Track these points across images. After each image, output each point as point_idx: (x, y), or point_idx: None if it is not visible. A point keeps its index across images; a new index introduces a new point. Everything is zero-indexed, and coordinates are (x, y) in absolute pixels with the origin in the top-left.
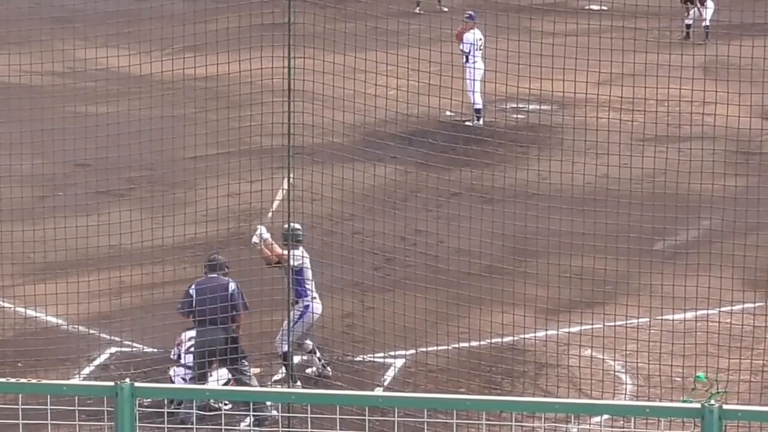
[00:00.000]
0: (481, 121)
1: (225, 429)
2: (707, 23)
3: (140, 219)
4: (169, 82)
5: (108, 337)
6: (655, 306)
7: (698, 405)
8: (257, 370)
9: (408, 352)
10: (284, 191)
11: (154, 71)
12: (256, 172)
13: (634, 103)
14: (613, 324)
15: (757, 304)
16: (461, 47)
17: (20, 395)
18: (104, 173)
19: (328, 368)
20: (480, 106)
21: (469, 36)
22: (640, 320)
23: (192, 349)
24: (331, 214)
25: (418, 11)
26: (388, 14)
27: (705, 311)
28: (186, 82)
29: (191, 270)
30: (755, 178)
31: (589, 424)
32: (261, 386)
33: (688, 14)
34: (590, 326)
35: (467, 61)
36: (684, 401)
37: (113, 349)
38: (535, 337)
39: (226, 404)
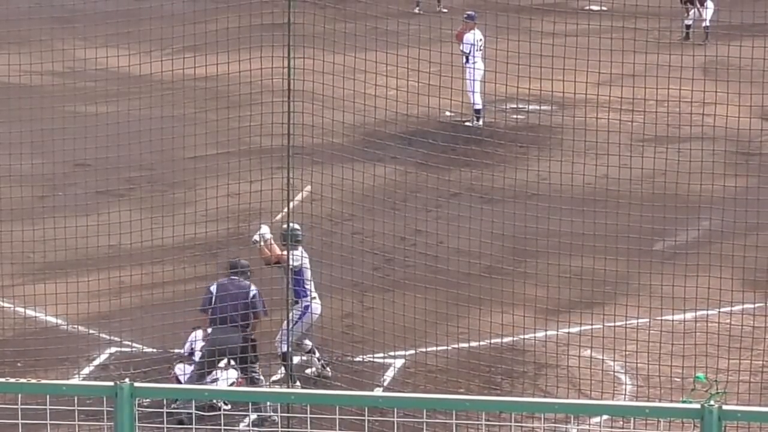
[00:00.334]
0: (480, 122)
1: (225, 429)
2: (707, 24)
3: (140, 219)
4: (169, 82)
5: (107, 337)
6: (655, 306)
7: (698, 405)
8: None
9: (407, 353)
10: (304, 194)
11: (154, 71)
12: (256, 173)
13: (634, 103)
14: (612, 324)
15: (756, 305)
16: (461, 48)
17: (20, 395)
18: (104, 173)
19: (328, 368)
20: (480, 107)
21: (469, 36)
22: (640, 321)
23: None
24: (331, 214)
25: (417, 11)
26: (388, 14)
27: (704, 312)
28: (186, 82)
29: (191, 270)
30: (755, 178)
31: (589, 424)
32: (260, 386)
33: (688, 15)
34: (590, 327)
35: (467, 61)
36: (683, 402)
37: (113, 349)
38: (535, 337)
39: (226, 404)
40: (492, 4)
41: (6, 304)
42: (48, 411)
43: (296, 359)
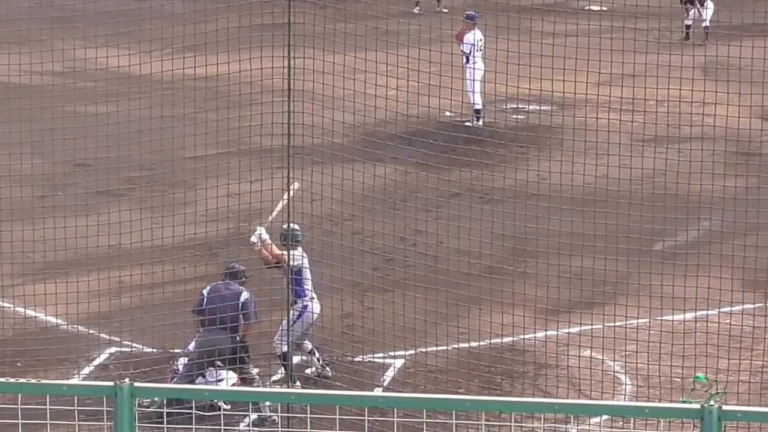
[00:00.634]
0: (480, 122)
1: (225, 429)
2: (707, 24)
3: (140, 219)
4: (169, 82)
5: (107, 337)
6: (655, 306)
7: (698, 406)
8: (256, 371)
9: (407, 353)
10: (290, 193)
11: (154, 71)
12: (256, 172)
13: (634, 103)
14: (612, 324)
15: (756, 305)
16: (462, 48)
17: (20, 395)
18: (104, 173)
19: (328, 368)
20: (480, 107)
21: (469, 36)
22: (640, 321)
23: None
24: (331, 214)
25: (417, 11)
26: (388, 14)
27: (704, 312)
28: (186, 82)
29: (191, 270)
30: (755, 178)
31: (589, 424)
32: (260, 387)
33: (688, 15)
34: (590, 327)
35: (467, 61)
36: (683, 402)
37: (113, 349)
38: (535, 337)
39: (226, 404)
40: (492, 4)
41: (6, 304)
42: (48, 411)
43: (296, 359)
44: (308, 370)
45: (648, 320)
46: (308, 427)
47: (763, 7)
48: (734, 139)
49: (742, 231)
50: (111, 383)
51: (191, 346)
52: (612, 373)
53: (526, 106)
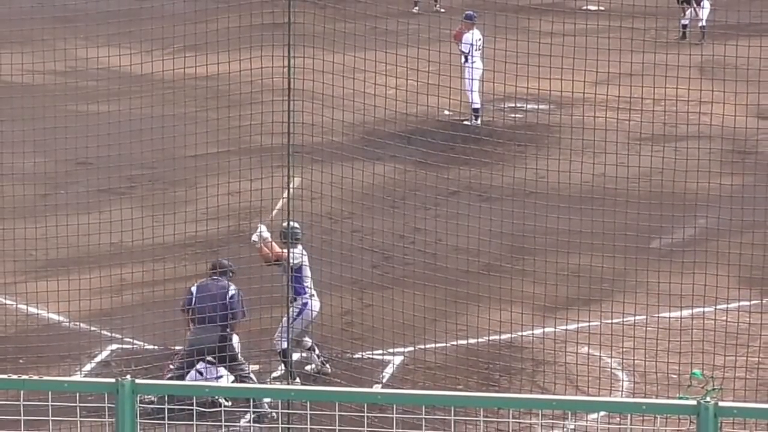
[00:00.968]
0: (479, 121)
1: (225, 426)
2: (703, 23)
3: (141, 217)
4: (170, 81)
5: (109, 334)
6: (652, 303)
7: (694, 402)
8: (256, 367)
9: (406, 350)
10: (289, 190)
11: (155, 70)
12: (256, 171)
13: (631, 102)
14: (609, 321)
15: (752, 302)
16: (460, 47)
17: (22, 392)
18: (105, 171)
19: (327, 365)
20: (478, 106)
21: (468, 36)
22: (637, 318)
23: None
24: (331, 212)
25: (416, 11)
26: (388, 14)
27: (701, 309)
28: (186, 82)
29: (191, 267)
30: (750, 177)
31: (586, 420)
32: (260, 383)
33: (685, 14)
34: (587, 324)
35: (466, 61)
36: (680, 398)
37: (114, 346)
38: (533, 334)
39: (227, 401)
40: (491, 4)
41: (8, 301)
42: (50, 408)
43: (296, 356)
44: (308, 367)
45: (645, 317)
46: (308, 423)
47: (759, 7)
48: (730, 137)
49: (738, 229)
50: (112, 380)
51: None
52: (609, 369)
53: (525, 105)
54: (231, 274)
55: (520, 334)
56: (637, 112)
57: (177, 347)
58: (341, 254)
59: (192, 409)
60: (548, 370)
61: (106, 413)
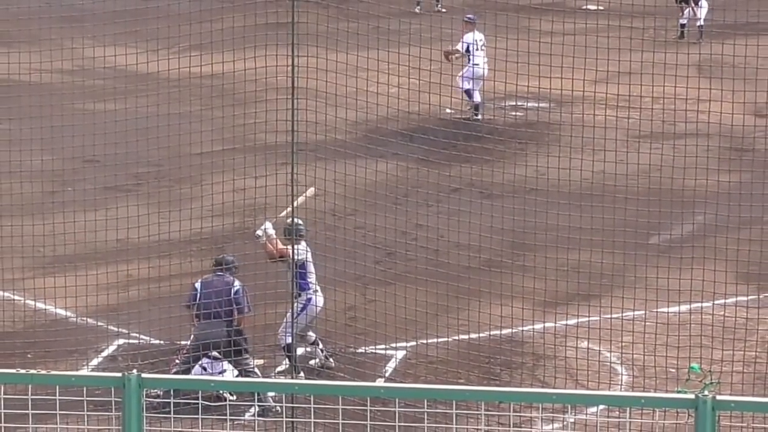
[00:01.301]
0: (479, 116)
1: (230, 419)
2: (701, 23)
3: (147, 214)
4: (176, 80)
5: (115, 329)
6: (650, 299)
7: (692, 396)
8: (261, 362)
9: (409, 344)
10: (308, 194)
11: (161, 69)
12: (261, 168)
13: (630, 100)
14: (609, 316)
15: (749, 297)
16: (459, 47)
17: (30, 386)
18: (112, 169)
19: (331, 359)
20: (479, 102)
21: (468, 36)
22: (636, 313)
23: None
24: (334, 209)
25: (417, 11)
26: (390, 14)
27: (699, 304)
28: (192, 80)
29: (197, 263)
30: (748, 174)
31: (585, 414)
32: (265, 377)
33: (683, 14)
34: (587, 319)
35: (468, 60)
36: (678, 392)
37: (121, 341)
38: (533, 329)
39: (231, 395)
40: (492, 4)
41: (16, 297)
42: (57, 401)
43: (300, 351)
44: (312, 361)
45: (644, 312)
46: (312, 417)
47: (756, 7)
48: (728, 135)
49: (736, 225)
50: (119, 374)
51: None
52: (608, 363)
53: (525, 103)
54: (235, 269)
55: (520, 328)
56: (636, 110)
57: (183, 342)
58: (345, 250)
59: (197, 404)
60: (548, 365)
61: (113, 407)
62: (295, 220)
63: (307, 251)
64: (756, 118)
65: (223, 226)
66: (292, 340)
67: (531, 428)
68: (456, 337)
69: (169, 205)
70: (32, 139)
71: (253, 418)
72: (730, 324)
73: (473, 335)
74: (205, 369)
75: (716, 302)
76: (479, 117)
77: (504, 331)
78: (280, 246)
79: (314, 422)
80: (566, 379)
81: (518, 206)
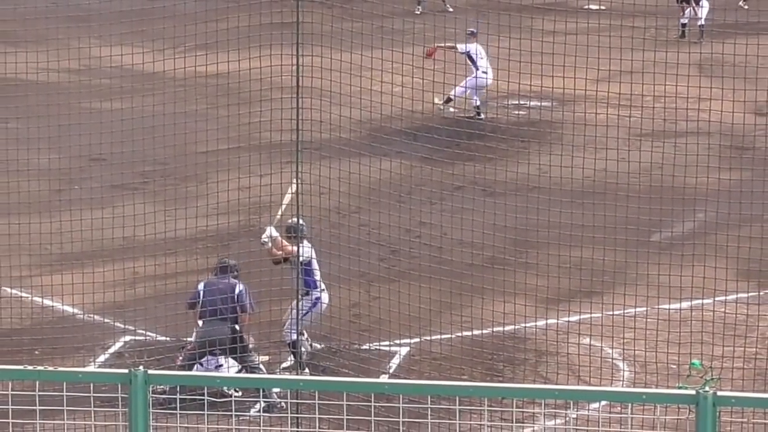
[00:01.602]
0: (482, 116)
1: (235, 415)
2: (702, 22)
3: (153, 212)
4: (181, 79)
5: (122, 325)
6: (652, 295)
7: (693, 391)
8: (266, 358)
9: (413, 341)
10: (291, 193)
11: (167, 69)
12: (266, 167)
13: (632, 99)
14: (611, 313)
15: (750, 294)
16: (459, 47)
17: (37, 382)
18: (118, 167)
19: (315, 344)
20: (479, 104)
21: (471, 46)
22: (637, 309)
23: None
24: (338, 207)
25: (419, 12)
26: (394, 14)
27: (700, 301)
28: (197, 80)
29: (202, 261)
30: (748, 172)
31: (588, 410)
32: (270, 374)
33: (684, 13)
34: (589, 315)
35: (477, 69)
36: (679, 388)
37: (127, 338)
38: (536, 325)
39: (237, 391)
40: (494, 4)
41: (24, 294)
42: (64, 398)
43: (305, 347)
44: (302, 350)
45: (645, 309)
46: (316, 413)
47: (756, 7)
48: (728, 133)
49: (736, 222)
50: (126, 371)
51: (192, 338)
52: (610, 360)
53: (527, 102)
54: (237, 272)
55: (523, 325)
56: (638, 108)
57: (188, 339)
58: (349, 248)
59: (200, 399)
60: (551, 361)
61: (120, 403)
62: (295, 220)
63: (311, 249)
64: (756, 117)
65: (228, 224)
66: (297, 337)
67: (533, 424)
68: (459, 334)
69: (175, 203)
70: (39, 137)
71: (258, 414)
72: (731, 320)
73: (476, 332)
74: (201, 365)
75: (717, 299)
76: (482, 117)
77: (507, 328)
78: (288, 247)
79: (319, 418)
80: (568, 375)
81: (521, 204)
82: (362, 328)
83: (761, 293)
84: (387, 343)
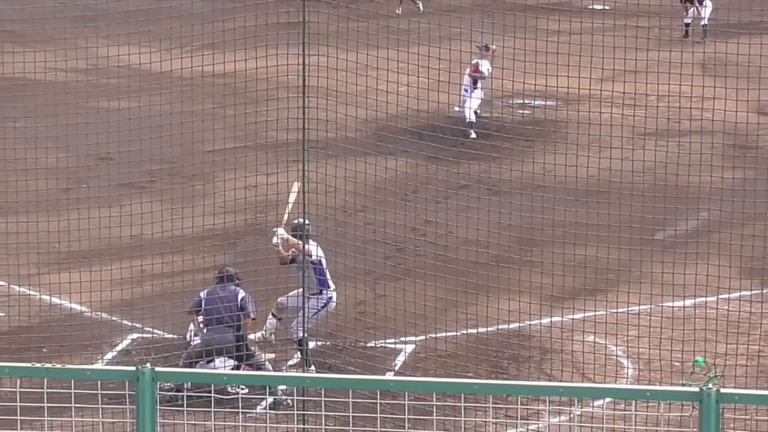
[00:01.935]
0: (473, 134)
1: (242, 412)
2: (705, 22)
3: (160, 210)
4: (188, 79)
5: (129, 323)
6: (656, 293)
7: (697, 389)
8: (272, 356)
9: (418, 338)
10: (295, 191)
11: (174, 68)
12: (272, 166)
13: (635, 98)
14: (615, 311)
15: (752, 292)
16: (484, 69)
17: (45, 379)
18: (126, 166)
19: (273, 336)
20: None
21: (486, 64)
22: (641, 307)
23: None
24: (344, 205)
25: (399, 12)
26: (399, 13)
27: (703, 298)
28: (204, 79)
29: (209, 259)
30: (751, 171)
31: (592, 407)
32: (276, 371)
33: (687, 13)
34: (593, 313)
35: (476, 86)
36: (683, 385)
37: (134, 335)
38: (540, 323)
39: (243, 388)
40: (500, 4)
41: (32, 292)
42: (72, 395)
43: (311, 344)
44: (266, 333)
45: (649, 307)
46: (322, 410)
47: (759, 6)
48: (731, 132)
49: (740, 221)
50: (133, 368)
51: (195, 342)
52: (614, 357)
53: (532, 102)
54: (238, 280)
55: (528, 323)
56: (641, 108)
57: (192, 341)
58: (355, 246)
59: (207, 396)
60: (555, 358)
61: (127, 400)
62: (300, 221)
63: (317, 248)
64: (759, 116)
65: (235, 223)
66: (304, 334)
67: (538, 421)
68: (464, 332)
69: (182, 202)
70: (47, 137)
71: (264, 411)
72: (734, 318)
73: (481, 329)
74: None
75: (720, 297)
76: (474, 135)
77: (512, 326)
78: (292, 240)
79: (325, 415)
80: (573, 372)
81: (526, 203)
82: (368, 326)
83: (764, 291)
84: (392, 340)
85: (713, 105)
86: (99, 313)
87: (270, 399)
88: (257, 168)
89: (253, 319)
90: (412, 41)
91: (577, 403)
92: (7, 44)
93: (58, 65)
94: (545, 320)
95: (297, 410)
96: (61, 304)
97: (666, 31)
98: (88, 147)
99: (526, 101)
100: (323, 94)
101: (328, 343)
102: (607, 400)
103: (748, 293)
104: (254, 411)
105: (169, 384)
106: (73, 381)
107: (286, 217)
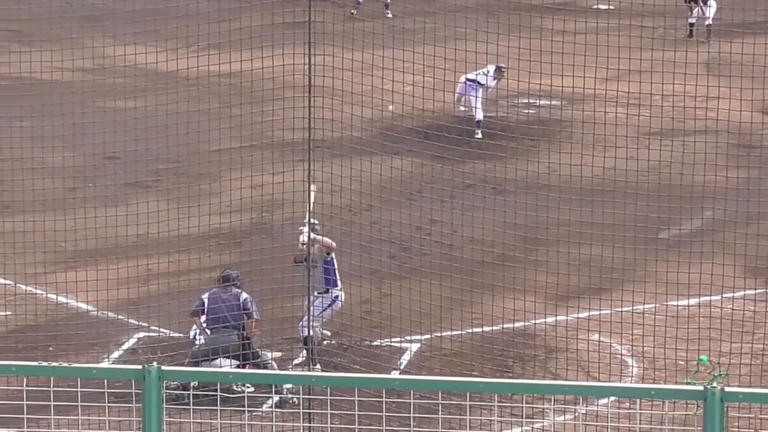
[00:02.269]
0: (479, 134)
1: (248, 410)
2: (710, 22)
3: (167, 209)
4: (194, 79)
5: (135, 322)
6: (660, 292)
7: (701, 387)
8: (278, 355)
9: (423, 337)
10: (314, 191)
11: (180, 68)
12: (278, 165)
13: (640, 98)
14: (619, 310)
15: (757, 291)
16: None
17: (52, 378)
18: (132, 165)
19: (325, 331)
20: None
21: (491, 83)
22: (646, 306)
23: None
24: (350, 204)
25: (353, 13)
26: (404, 13)
27: (707, 298)
28: (210, 79)
29: (215, 258)
30: (756, 170)
31: (597, 405)
32: (282, 369)
33: (692, 13)
34: (598, 312)
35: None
36: (687, 383)
37: (141, 334)
38: (545, 322)
39: (248, 387)
40: (505, 3)
41: (38, 291)
42: (79, 393)
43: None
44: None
45: (654, 306)
46: (328, 408)
47: (764, 6)
48: (736, 132)
49: (744, 220)
50: (139, 367)
51: (199, 341)
52: (619, 356)
53: (537, 101)
54: (239, 283)
55: (533, 322)
56: (646, 107)
57: (196, 341)
58: (360, 245)
59: (211, 396)
60: (560, 357)
61: (134, 399)
62: (311, 220)
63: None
64: (763, 116)
65: (241, 222)
66: (309, 333)
67: (543, 419)
68: (470, 330)
69: (188, 201)
70: (54, 136)
71: (270, 409)
72: (738, 317)
73: (486, 328)
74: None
75: (725, 296)
76: (480, 135)
77: (516, 325)
78: (327, 241)
79: (330, 414)
80: (578, 371)
81: (530, 202)
82: (373, 325)
83: None
84: (398, 339)
85: (718, 105)
86: (105, 312)
87: (276, 398)
88: (263, 167)
89: (256, 320)
90: (418, 41)
91: (582, 402)
92: (14, 44)
93: (64, 65)
94: (550, 319)
95: (303, 409)
96: (67, 303)
97: (670, 30)
98: (95, 146)
99: (531, 101)
100: (329, 94)
101: (333, 342)
102: (612, 398)
103: (753, 292)
104: (260, 410)
105: (175, 383)
106: (79, 380)
107: (308, 218)
